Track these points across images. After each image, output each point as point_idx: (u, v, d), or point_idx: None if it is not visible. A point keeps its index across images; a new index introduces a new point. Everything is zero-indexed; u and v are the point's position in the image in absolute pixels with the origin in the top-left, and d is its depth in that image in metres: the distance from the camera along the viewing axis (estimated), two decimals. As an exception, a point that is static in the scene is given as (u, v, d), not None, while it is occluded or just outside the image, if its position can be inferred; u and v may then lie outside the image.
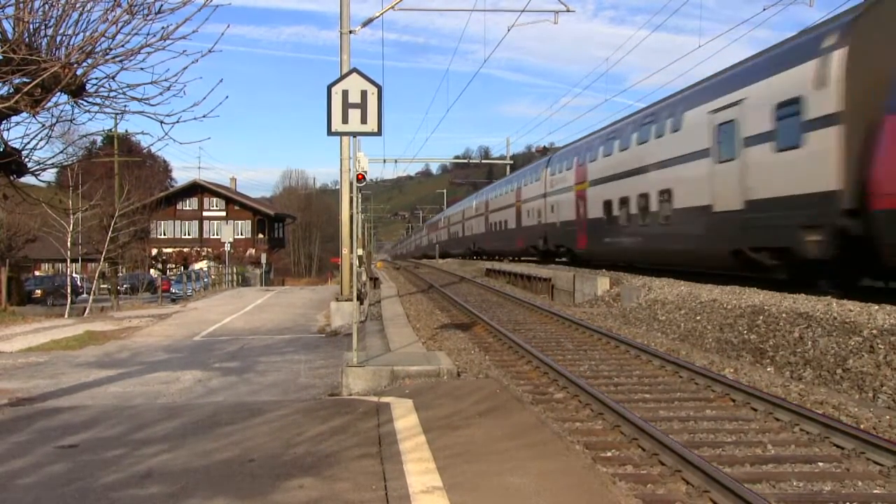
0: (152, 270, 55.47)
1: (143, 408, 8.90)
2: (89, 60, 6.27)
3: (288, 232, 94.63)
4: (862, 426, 7.40)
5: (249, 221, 75.91)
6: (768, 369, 10.75)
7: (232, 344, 16.07)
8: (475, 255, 51.25)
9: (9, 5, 5.77)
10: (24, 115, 6.24)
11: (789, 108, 13.62)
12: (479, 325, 16.26)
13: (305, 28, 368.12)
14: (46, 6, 5.92)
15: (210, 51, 6.31)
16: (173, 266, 61.31)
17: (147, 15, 6.10)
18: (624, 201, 21.81)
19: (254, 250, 67.64)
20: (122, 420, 7.79)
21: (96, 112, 6.63)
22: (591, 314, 18.24)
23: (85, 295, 38.88)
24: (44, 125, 6.46)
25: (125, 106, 6.54)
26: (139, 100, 6.46)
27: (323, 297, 28.45)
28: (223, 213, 75.13)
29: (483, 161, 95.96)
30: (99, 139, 59.93)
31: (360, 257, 20.48)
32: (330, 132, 9.17)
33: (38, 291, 41.96)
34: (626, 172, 21.56)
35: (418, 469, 5.66)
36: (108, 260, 36.14)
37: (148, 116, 6.57)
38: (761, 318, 12.07)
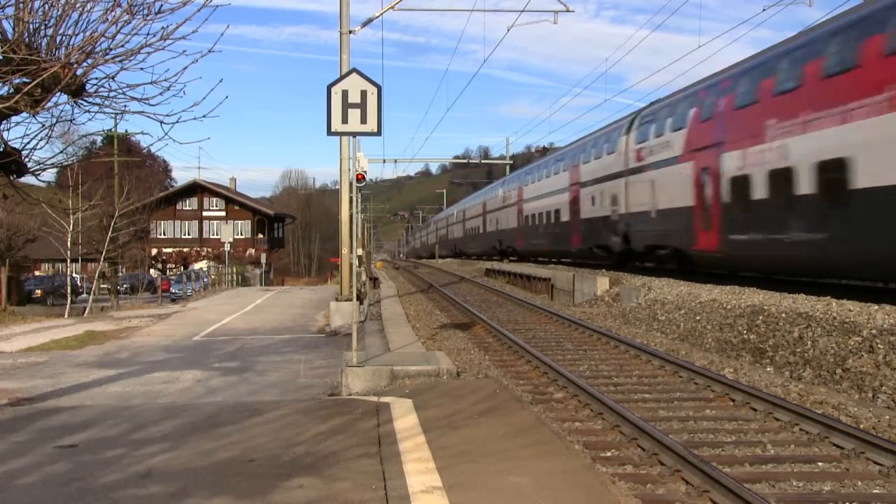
0: (152, 270, 55.44)
1: (143, 408, 8.90)
2: (89, 60, 6.27)
3: (287, 232, 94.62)
4: (861, 426, 7.41)
5: (249, 221, 75.88)
6: (768, 369, 10.75)
7: (231, 344, 16.07)
8: (502, 255, 41.34)
9: (9, 5, 5.77)
10: (24, 115, 6.24)
11: None
12: (478, 325, 16.27)
13: (306, 28, 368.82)
14: (46, 6, 5.92)
15: (210, 51, 6.31)
16: (173, 266, 61.30)
17: (147, 15, 6.10)
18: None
19: (253, 250, 67.61)
20: (122, 420, 7.79)
21: (96, 112, 6.63)
22: (590, 314, 18.24)
23: (85, 295, 38.86)
24: (44, 125, 6.46)
25: (125, 106, 6.55)
26: (139, 100, 6.46)
27: (322, 297, 28.44)
28: (223, 213, 75.10)
29: (483, 161, 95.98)
30: (99, 139, 60.06)
31: (359, 257, 20.48)
32: (330, 132, 9.18)
33: (38, 291, 41.95)
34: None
35: (418, 469, 5.66)
36: (107, 260, 36.11)
37: (148, 116, 6.58)
38: (761, 317, 12.08)
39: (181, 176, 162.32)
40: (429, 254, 78.90)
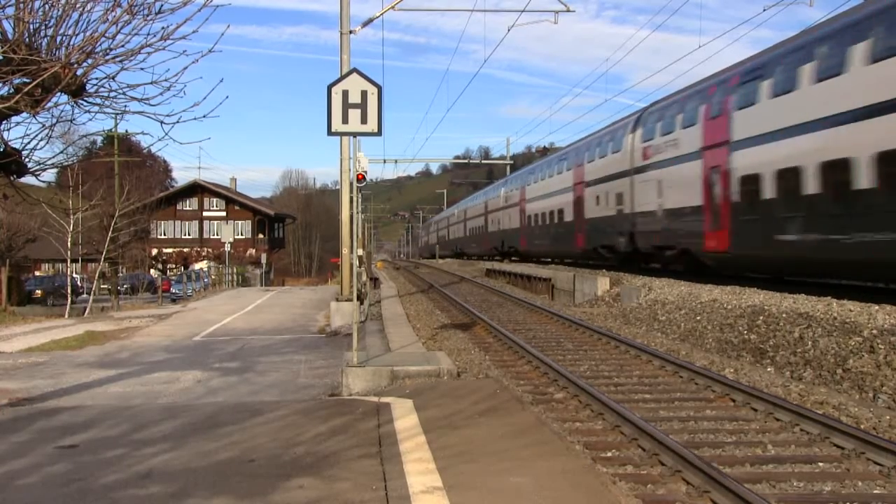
0: (152, 270, 55.42)
1: (144, 408, 8.90)
2: (89, 61, 6.27)
3: (288, 232, 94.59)
4: (862, 426, 7.41)
5: (249, 221, 75.82)
6: (768, 369, 10.74)
7: (232, 344, 16.06)
8: (620, 261, 23.86)
9: (9, 5, 5.77)
10: (25, 115, 6.23)
11: None
12: (479, 325, 16.26)
13: (306, 28, 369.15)
14: (46, 6, 5.92)
15: (210, 51, 6.30)
16: (173, 266, 61.27)
17: (147, 15, 6.10)
18: None
19: (254, 250, 67.58)
20: (123, 420, 7.79)
21: (96, 112, 6.62)
22: (591, 314, 18.24)
23: (85, 295, 38.83)
24: (44, 125, 6.45)
25: (125, 106, 6.54)
26: (139, 100, 6.45)
27: (323, 297, 28.43)
28: (223, 214, 75.04)
29: (483, 161, 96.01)
30: (99, 139, 60.14)
31: (360, 257, 20.47)
32: (330, 132, 9.18)
33: (39, 291, 41.89)
34: None
35: (418, 469, 5.66)
36: (108, 260, 36.12)
37: (148, 116, 6.57)
38: (761, 318, 12.07)
39: (181, 176, 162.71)
40: (451, 252, 62.11)
